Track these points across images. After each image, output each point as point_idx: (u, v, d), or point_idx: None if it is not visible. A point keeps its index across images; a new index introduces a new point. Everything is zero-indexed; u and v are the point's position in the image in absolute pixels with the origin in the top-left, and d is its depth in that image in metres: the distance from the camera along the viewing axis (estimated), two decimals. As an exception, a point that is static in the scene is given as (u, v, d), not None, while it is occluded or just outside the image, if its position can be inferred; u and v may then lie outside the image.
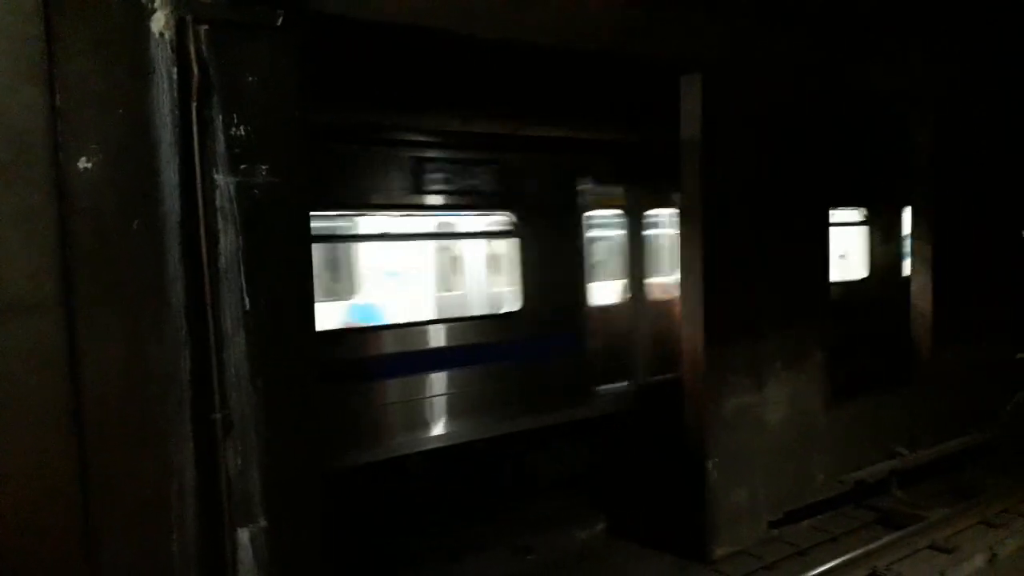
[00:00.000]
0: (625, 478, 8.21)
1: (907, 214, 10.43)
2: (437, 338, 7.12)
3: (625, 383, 8.39)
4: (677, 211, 7.48)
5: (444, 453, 7.14)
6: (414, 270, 8.28)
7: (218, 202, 4.01)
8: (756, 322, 6.90)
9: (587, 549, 7.09)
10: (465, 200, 7.31)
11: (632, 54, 6.04)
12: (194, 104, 3.88)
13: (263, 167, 4.11)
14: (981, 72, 9.00)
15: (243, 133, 4.05)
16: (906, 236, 10.95)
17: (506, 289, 7.95)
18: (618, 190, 8.32)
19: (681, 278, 6.79)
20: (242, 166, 4.06)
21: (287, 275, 4.29)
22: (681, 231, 6.72)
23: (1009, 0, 7.75)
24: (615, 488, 8.03)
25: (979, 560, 6.62)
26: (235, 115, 4.02)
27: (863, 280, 11.15)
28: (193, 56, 3.86)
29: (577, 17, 5.56)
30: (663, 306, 8.65)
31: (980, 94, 9.10)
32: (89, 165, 3.63)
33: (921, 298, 8.91)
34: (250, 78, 4.07)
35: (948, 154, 8.89)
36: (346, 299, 7.92)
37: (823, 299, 7.69)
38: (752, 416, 6.92)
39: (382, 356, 6.80)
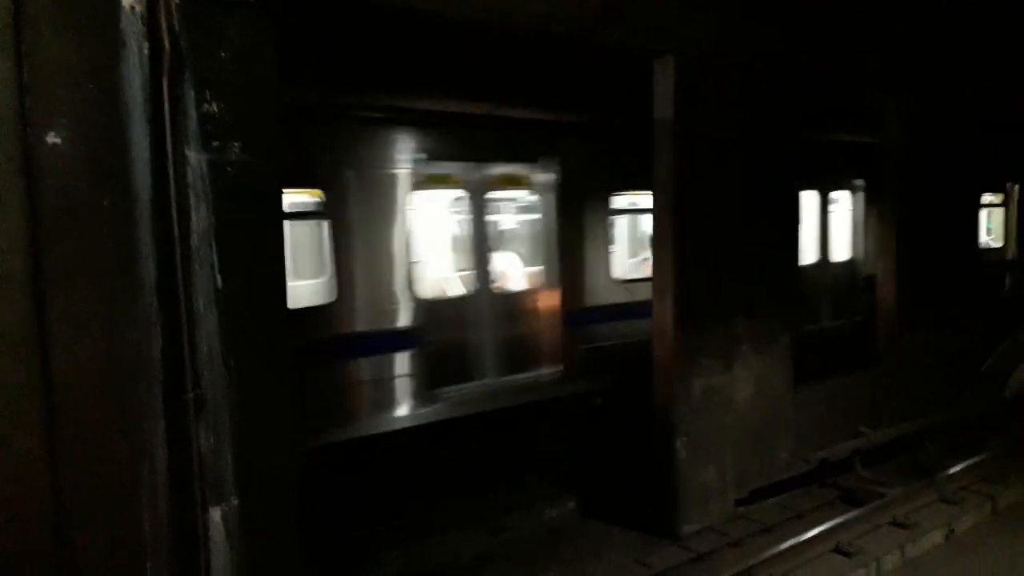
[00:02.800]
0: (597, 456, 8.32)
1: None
2: None
3: None
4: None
5: None
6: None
7: (190, 179, 3.95)
8: (726, 304, 6.99)
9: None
10: None
11: (604, 42, 6.08)
12: (165, 80, 3.80)
13: (236, 144, 4.06)
14: (951, 67, 9.13)
15: (216, 110, 3.98)
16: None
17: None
18: None
19: (653, 259, 6.84)
20: (214, 143, 4.00)
21: (260, 254, 4.26)
22: (654, 213, 6.76)
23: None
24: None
25: (937, 536, 6.82)
26: (208, 91, 3.96)
27: None
28: (164, 30, 3.78)
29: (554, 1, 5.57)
30: None
31: (948, 88, 9.24)
32: (58, 141, 3.54)
33: (886, 284, 9.09)
34: (223, 54, 4.00)
35: (917, 144, 9.03)
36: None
37: (790, 283, 7.81)
38: (720, 397, 7.02)
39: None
